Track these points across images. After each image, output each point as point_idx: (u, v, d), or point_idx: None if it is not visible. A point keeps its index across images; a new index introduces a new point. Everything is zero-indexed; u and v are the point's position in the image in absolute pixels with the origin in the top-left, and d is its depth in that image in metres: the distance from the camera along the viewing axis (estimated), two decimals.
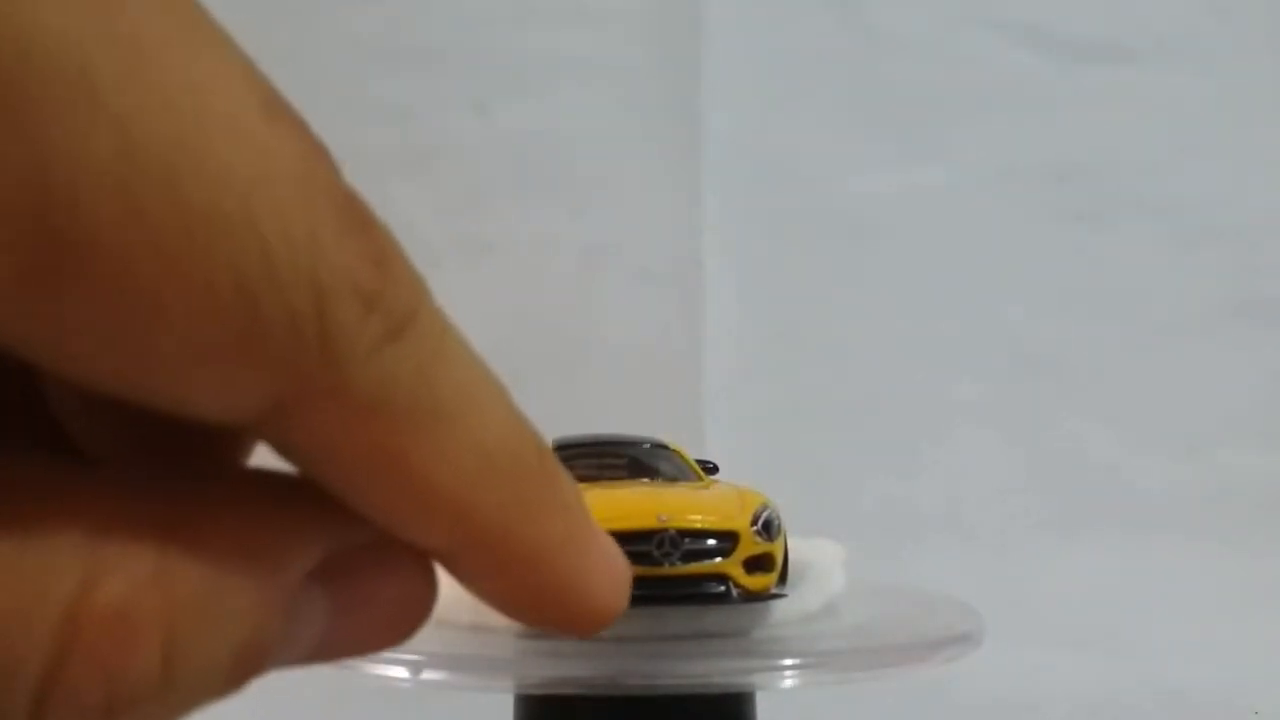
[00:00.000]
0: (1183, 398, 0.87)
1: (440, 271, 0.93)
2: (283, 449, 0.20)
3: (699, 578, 0.43)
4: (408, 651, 0.42)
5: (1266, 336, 0.87)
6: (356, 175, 0.78)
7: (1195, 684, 0.84)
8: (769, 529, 0.45)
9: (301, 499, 0.21)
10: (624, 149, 0.86)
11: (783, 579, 0.46)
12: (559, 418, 0.62)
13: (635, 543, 0.44)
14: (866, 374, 0.87)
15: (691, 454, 0.56)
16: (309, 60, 0.84)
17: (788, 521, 0.47)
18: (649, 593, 0.43)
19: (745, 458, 0.75)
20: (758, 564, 0.45)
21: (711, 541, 0.44)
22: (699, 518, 0.45)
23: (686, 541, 0.44)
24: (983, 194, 0.87)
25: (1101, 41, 0.88)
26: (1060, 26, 0.88)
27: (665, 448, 0.55)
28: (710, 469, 0.56)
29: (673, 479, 0.52)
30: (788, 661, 0.43)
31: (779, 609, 0.46)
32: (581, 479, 0.51)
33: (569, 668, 0.41)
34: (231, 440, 0.23)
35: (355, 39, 0.85)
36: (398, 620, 0.23)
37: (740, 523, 0.45)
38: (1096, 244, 0.87)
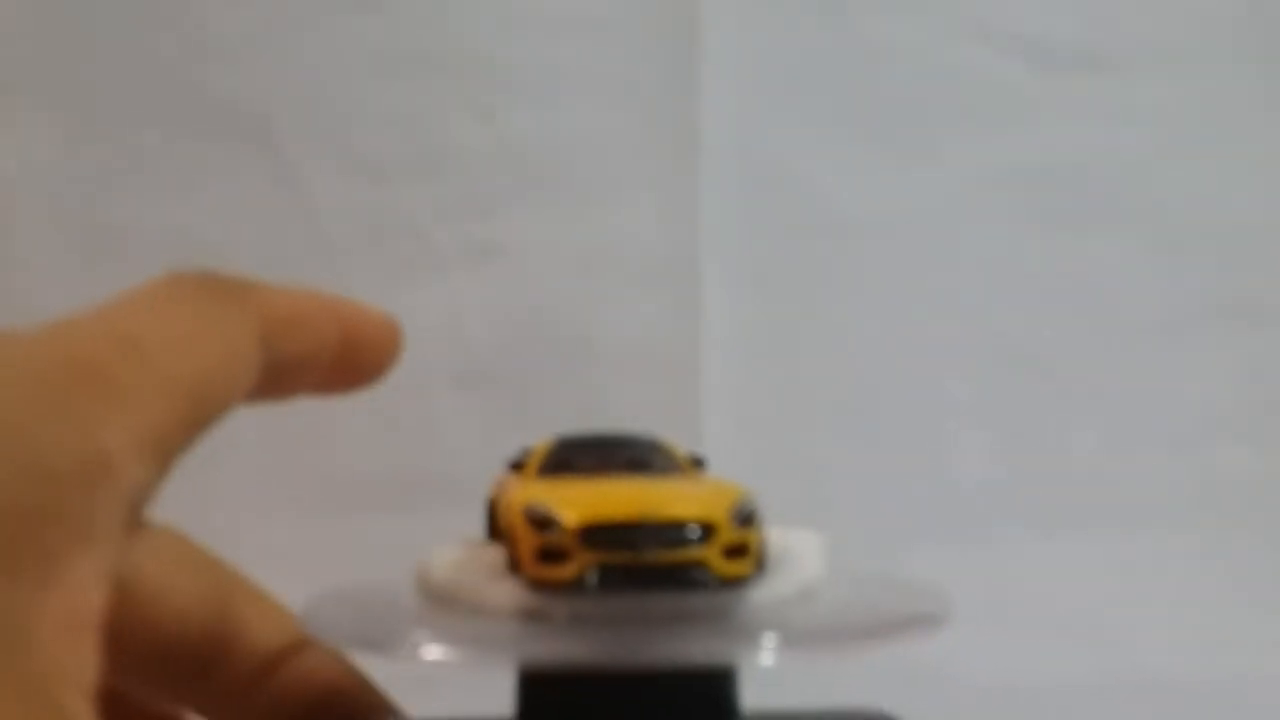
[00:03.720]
0: (1166, 397, 0.88)
1: (446, 275, 0.95)
2: None
3: (679, 565, 0.45)
4: (404, 632, 0.44)
5: (1247, 336, 0.88)
6: (365, 180, 0.82)
7: (1180, 676, 0.86)
8: (746, 519, 0.46)
9: None
10: (624, 154, 0.88)
11: (761, 565, 0.47)
12: (562, 415, 0.64)
13: (621, 532, 0.45)
14: (859, 374, 0.88)
15: (686, 450, 0.58)
16: (317, 68, 0.86)
17: (782, 516, 0.48)
18: (633, 578, 0.44)
19: (741, 455, 0.76)
20: (735, 551, 0.45)
21: (692, 530, 0.45)
22: (680, 509, 0.46)
23: (668, 531, 0.45)
24: (970, 198, 0.88)
25: (1084, 50, 0.88)
26: (1045, 36, 0.88)
27: (658, 444, 0.57)
28: (699, 463, 0.57)
29: (663, 473, 0.54)
30: (764, 639, 0.44)
31: (757, 592, 0.47)
32: (583, 472, 0.54)
33: (563, 647, 0.43)
34: None
35: (362, 47, 0.87)
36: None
37: (719, 513, 0.46)
38: (1081, 247, 0.88)
